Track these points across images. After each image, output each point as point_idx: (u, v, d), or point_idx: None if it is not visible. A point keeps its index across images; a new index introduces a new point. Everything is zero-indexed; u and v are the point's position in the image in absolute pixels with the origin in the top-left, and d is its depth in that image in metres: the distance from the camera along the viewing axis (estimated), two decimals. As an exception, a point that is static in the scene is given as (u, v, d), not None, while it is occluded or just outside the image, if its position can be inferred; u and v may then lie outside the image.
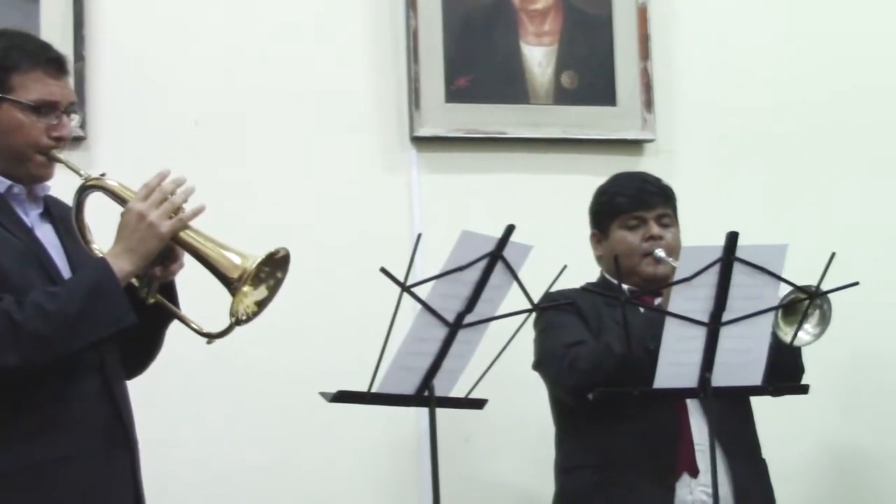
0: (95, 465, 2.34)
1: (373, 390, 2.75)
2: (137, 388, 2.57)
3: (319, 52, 3.79)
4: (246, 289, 2.37)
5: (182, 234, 2.38)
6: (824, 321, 2.85)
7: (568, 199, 3.61)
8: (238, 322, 2.39)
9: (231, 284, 2.36)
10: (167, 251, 2.40)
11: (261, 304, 2.41)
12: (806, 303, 2.82)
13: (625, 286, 3.06)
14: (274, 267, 2.42)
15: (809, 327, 2.87)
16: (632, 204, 3.16)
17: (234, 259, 2.37)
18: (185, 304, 2.54)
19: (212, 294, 2.39)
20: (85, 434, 2.34)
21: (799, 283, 2.80)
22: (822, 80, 4.09)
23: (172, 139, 3.62)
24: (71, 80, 2.51)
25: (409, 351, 2.76)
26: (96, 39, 3.61)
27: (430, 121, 3.79)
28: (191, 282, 2.50)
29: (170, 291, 2.50)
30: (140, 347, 2.52)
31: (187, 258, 2.44)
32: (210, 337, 2.46)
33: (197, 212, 2.39)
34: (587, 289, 3.18)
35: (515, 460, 3.71)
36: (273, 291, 2.42)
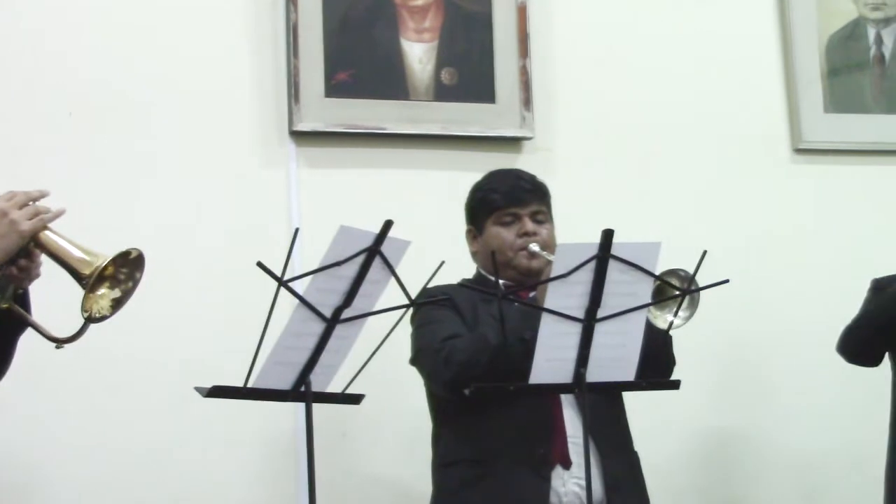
0: None
1: (249, 385, 2.73)
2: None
3: (199, 45, 3.75)
4: (102, 290, 2.50)
5: (41, 235, 2.50)
6: (693, 305, 2.90)
7: (446, 196, 3.62)
8: (91, 319, 2.50)
9: (83, 280, 2.47)
10: (24, 252, 2.49)
11: (116, 304, 2.53)
12: (678, 295, 2.87)
13: (500, 281, 3.08)
14: (131, 268, 2.54)
15: (680, 312, 2.92)
16: (506, 200, 3.18)
17: (86, 258, 2.50)
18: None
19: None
20: None
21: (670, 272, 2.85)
22: (697, 80, 4.18)
23: (46, 132, 3.56)
24: None
25: (286, 346, 2.74)
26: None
27: (310, 115, 3.77)
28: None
29: (23, 302, 2.55)
30: None
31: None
32: (59, 342, 2.56)
33: (58, 214, 2.52)
34: (464, 284, 3.20)
35: (392, 456, 3.72)
36: (129, 292, 2.55)
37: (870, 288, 3.52)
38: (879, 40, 4.37)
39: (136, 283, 2.54)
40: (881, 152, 4.29)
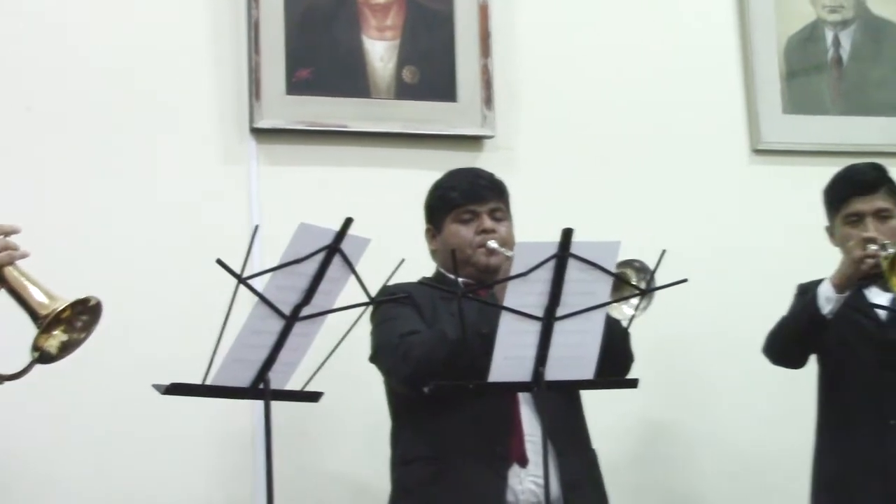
0: None
1: (207, 383, 2.72)
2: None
3: (160, 41, 3.74)
4: (56, 332, 2.53)
5: (5, 270, 2.54)
6: (650, 296, 2.92)
7: (407, 194, 3.61)
8: (40, 359, 2.53)
9: (38, 320, 2.51)
10: None
11: (64, 348, 2.58)
12: (637, 294, 2.89)
13: (460, 279, 3.09)
14: (91, 316, 2.58)
15: (637, 304, 2.94)
16: (464, 198, 3.19)
17: (45, 301, 2.53)
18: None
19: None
20: None
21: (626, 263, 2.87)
22: (657, 80, 4.20)
23: (4, 127, 3.54)
24: None
25: (245, 343, 2.73)
26: None
27: (271, 113, 3.76)
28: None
29: None
30: None
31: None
32: (2, 378, 2.60)
33: (24, 255, 2.56)
34: (423, 283, 3.20)
35: (351, 453, 3.72)
36: (80, 341, 2.59)
37: (795, 293, 3.56)
38: (837, 42, 4.41)
39: (88, 334, 2.58)
40: (839, 153, 4.31)
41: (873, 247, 3.30)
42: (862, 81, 4.41)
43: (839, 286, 3.33)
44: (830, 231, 3.52)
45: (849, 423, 3.39)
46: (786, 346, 3.46)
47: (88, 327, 2.57)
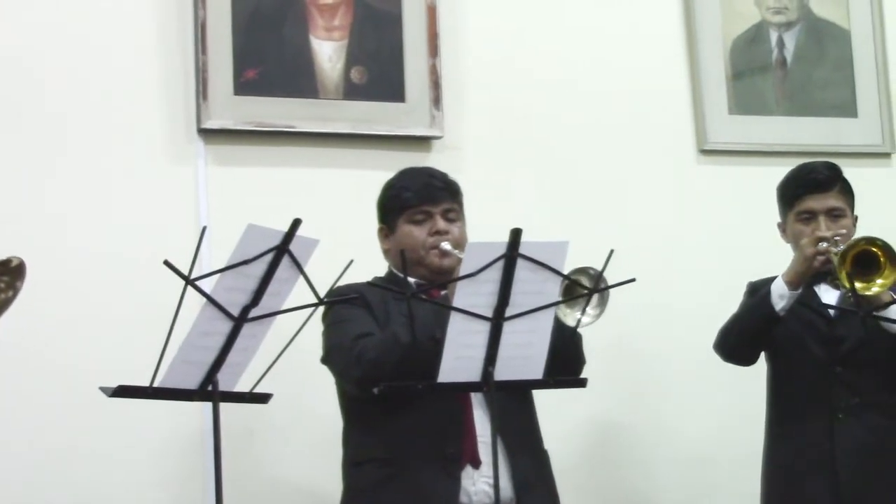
0: None
1: (155, 385, 2.71)
2: None
3: (105, 40, 3.71)
4: None
5: None
6: (603, 303, 2.93)
7: (356, 194, 3.62)
8: None
9: None
10: None
11: None
12: (585, 294, 2.89)
13: (411, 280, 3.09)
14: (12, 277, 2.44)
15: (589, 309, 2.94)
16: (418, 198, 3.18)
17: None
18: None
19: None
20: None
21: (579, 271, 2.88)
22: (604, 81, 4.23)
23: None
24: None
25: (193, 345, 2.72)
26: None
27: (218, 113, 3.75)
28: None
29: None
30: None
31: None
32: None
33: None
34: (373, 283, 3.20)
35: (301, 455, 3.70)
36: (7, 302, 2.44)
37: (746, 291, 3.60)
38: (781, 44, 4.45)
39: (16, 292, 2.44)
40: (783, 153, 4.36)
41: (825, 244, 3.34)
42: (806, 82, 4.45)
43: (792, 283, 3.37)
44: (782, 227, 3.56)
45: (798, 416, 3.44)
46: (738, 342, 3.49)
47: (12, 286, 2.42)
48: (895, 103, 4.51)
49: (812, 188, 3.48)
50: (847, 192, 3.52)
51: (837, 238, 3.36)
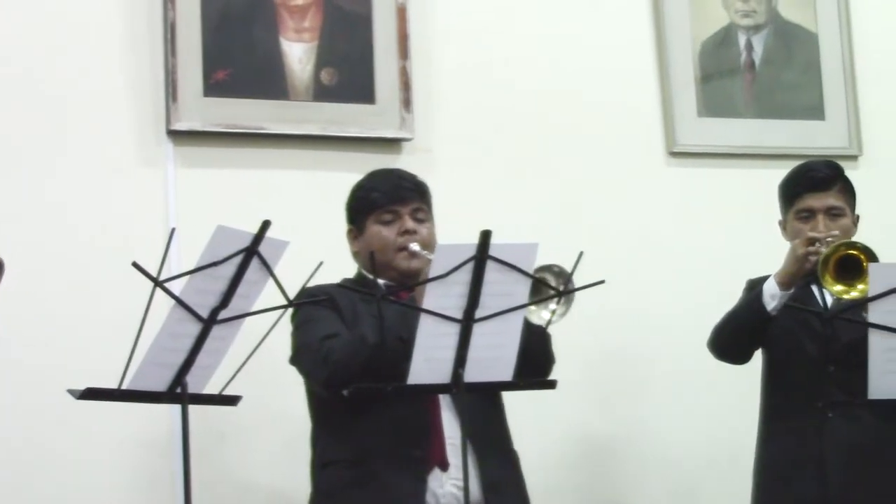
0: None
1: (123, 387, 2.70)
2: None
3: (74, 41, 3.69)
4: None
5: None
6: (569, 301, 2.93)
7: (326, 196, 3.61)
8: None
9: None
10: None
11: None
12: (555, 296, 2.90)
13: (381, 281, 3.09)
14: None
15: (556, 307, 2.95)
16: (386, 199, 3.18)
17: None
18: None
19: None
20: None
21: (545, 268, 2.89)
22: (574, 83, 4.24)
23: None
24: None
25: (162, 347, 2.71)
26: None
27: (187, 114, 3.73)
28: None
29: None
30: None
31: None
32: None
33: None
34: (342, 285, 3.20)
35: (270, 457, 3.70)
36: None
37: (744, 288, 3.60)
38: (750, 46, 4.48)
39: None
40: (752, 156, 4.40)
41: (816, 245, 3.35)
42: (774, 85, 4.48)
43: (783, 283, 3.39)
44: (783, 225, 3.57)
45: (790, 413, 3.45)
46: (730, 341, 3.51)
47: None
48: (862, 106, 4.54)
49: (811, 187, 3.48)
50: (848, 191, 3.52)
51: (830, 239, 3.36)
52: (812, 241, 3.37)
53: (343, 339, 3.02)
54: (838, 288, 3.24)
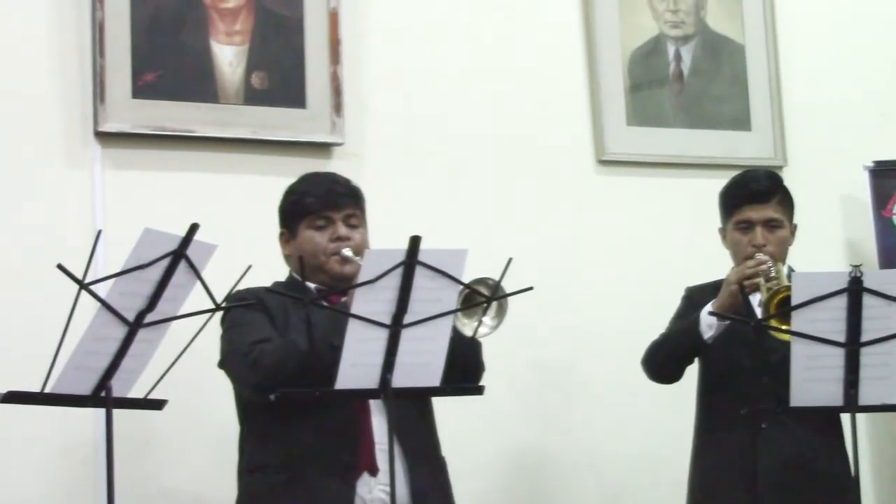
0: None
1: (46, 390, 2.66)
2: None
3: (0, 41, 3.64)
4: None
5: None
6: (501, 313, 2.93)
7: (255, 200, 3.61)
8: None
9: None
10: None
11: None
12: (483, 302, 2.90)
13: (312, 285, 3.08)
14: None
15: (487, 320, 2.95)
16: (320, 204, 3.16)
17: None
18: None
19: None
20: None
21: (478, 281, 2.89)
22: (505, 90, 4.26)
23: None
24: None
25: (86, 350, 2.68)
26: None
27: (116, 116, 3.70)
28: None
29: None
30: None
31: None
32: None
33: None
34: (270, 289, 3.18)
35: (197, 462, 3.67)
36: None
37: (683, 296, 3.61)
38: (678, 57, 4.53)
39: None
40: (680, 165, 4.45)
41: (749, 279, 3.33)
42: (701, 96, 4.53)
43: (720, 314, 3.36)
44: (723, 233, 3.58)
45: (724, 425, 3.44)
46: (664, 364, 3.51)
47: None
48: (787, 117, 4.61)
49: (751, 199, 3.48)
50: (786, 203, 3.53)
51: (763, 267, 3.36)
52: (745, 277, 3.37)
53: (273, 345, 3.01)
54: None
